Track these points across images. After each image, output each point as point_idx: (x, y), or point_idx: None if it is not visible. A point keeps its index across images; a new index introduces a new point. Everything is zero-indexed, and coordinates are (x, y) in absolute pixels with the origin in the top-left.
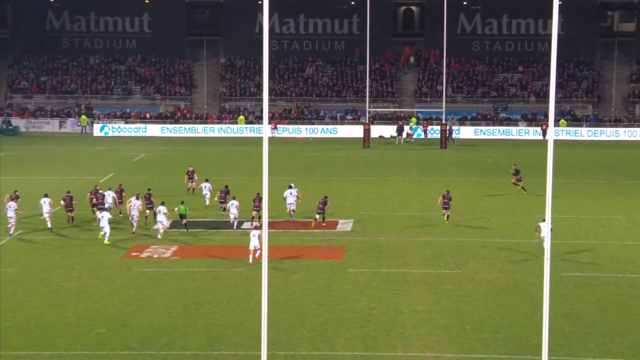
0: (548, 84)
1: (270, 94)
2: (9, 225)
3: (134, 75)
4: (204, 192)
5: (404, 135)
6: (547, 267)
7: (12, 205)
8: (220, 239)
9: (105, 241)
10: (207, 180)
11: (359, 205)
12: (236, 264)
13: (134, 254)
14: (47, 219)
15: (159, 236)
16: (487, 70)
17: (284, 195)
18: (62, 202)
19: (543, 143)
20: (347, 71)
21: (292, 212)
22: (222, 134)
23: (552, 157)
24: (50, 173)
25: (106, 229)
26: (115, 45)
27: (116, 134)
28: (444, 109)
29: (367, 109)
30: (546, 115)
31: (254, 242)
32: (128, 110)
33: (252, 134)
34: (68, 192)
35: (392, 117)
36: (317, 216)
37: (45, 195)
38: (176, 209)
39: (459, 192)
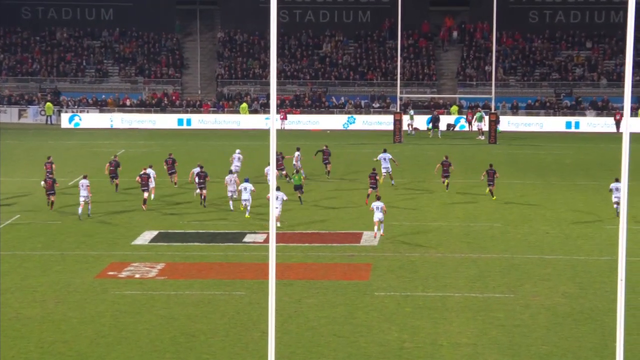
0: (623, 64)
1: (278, 77)
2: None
3: (111, 53)
4: (244, 198)
5: (444, 127)
6: (621, 291)
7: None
8: (216, 255)
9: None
10: (247, 180)
11: (389, 213)
12: (236, 285)
13: (111, 273)
14: (82, 204)
15: (247, 214)
16: (547, 47)
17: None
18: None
19: (616, 137)
20: (374, 48)
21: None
22: (220, 126)
23: (627, 154)
24: (7, 174)
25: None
26: (88, 17)
27: (89, 125)
28: (493, 95)
29: (399, 95)
30: (621, 103)
31: (377, 215)
32: (103, 96)
33: (257, 126)
34: (85, 176)
35: (430, 104)
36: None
37: (84, 177)
38: (290, 179)
39: (510, 197)
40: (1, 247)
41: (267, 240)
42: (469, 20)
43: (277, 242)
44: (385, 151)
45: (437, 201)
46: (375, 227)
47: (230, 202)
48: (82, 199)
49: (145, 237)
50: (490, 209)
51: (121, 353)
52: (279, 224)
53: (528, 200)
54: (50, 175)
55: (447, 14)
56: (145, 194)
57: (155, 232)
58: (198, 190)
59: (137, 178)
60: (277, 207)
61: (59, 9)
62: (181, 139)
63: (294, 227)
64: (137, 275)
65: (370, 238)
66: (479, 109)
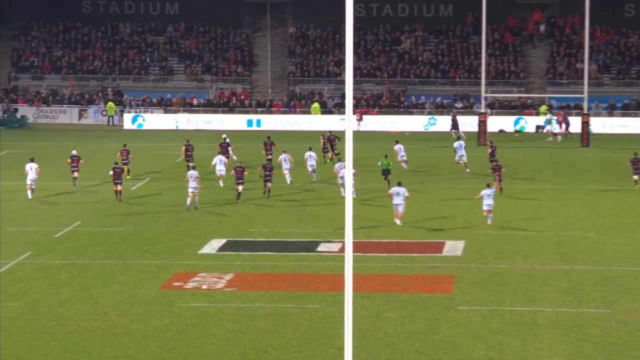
0: None
1: (354, 75)
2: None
3: (176, 49)
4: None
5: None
6: None
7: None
8: (288, 265)
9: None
10: (310, 149)
11: (473, 221)
12: (310, 297)
13: (176, 283)
14: (191, 195)
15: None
16: None
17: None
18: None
19: None
20: (456, 44)
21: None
22: (291, 127)
23: None
24: (66, 178)
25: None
26: (152, 11)
27: (153, 126)
28: (585, 94)
29: (483, 94)
30: None
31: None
32: (168, 95)
33: (330, 127)
34: (194, 167)
35: (517, 104)
36: None
37: (194, 168)
38: (379, 163)
39: (606, 206)
40: (60, 256)
41: (342, 250)
42: (559, 13)
43: (353, 251)
44: (459, 138)
45: (525, 207)
46: (485, 215)
47: (342, 190)
48: (190, 190)
49: (212, 246)
50: (583, 217)
51: None
52: (399, 222)
53: (624, 208)
54: (125, 161)
55: (535, 8)
56: (240, 187)
57: (223, 241)
58: (239, 188)
59: (232, 171)
60: (400, 204)
61: (121, 3)
62: (250, 140)
63: (370, 235)
64: (204, 287)
65: (453, 248)
66: (547, 111)
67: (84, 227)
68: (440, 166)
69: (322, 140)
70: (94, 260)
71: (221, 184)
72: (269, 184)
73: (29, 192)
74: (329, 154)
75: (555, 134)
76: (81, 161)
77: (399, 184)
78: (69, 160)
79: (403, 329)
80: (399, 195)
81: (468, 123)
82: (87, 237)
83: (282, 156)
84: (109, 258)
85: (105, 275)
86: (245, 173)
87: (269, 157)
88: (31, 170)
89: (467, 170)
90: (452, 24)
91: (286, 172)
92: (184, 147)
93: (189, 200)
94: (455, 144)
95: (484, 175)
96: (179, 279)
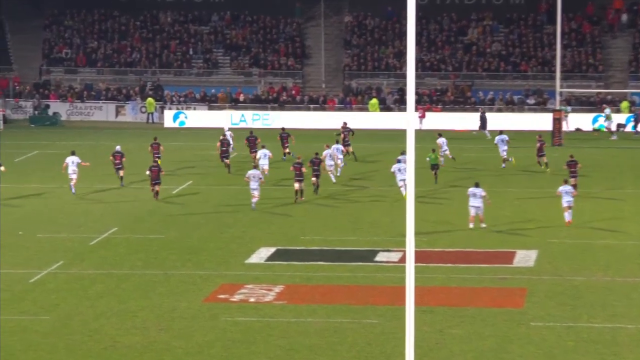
0: None
1: (416, 68)
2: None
3: (222, 40)
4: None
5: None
6: None
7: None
8: (343, 276)
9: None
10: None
11: (546, 228)
12: (367, 312)
13: (222, 296)
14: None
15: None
16: None
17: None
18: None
19: None
20: (529, 34)
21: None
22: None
23: None
24: (103, 180)
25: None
26: None
27: (196, 124)
28: None
29: (558, 89)
30: None
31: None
32: (213, 90)
33: (390, 125)
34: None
35: (596, 100)
36: None
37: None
38: (427, 158)
39: None
40: (96, 265)
41: (403, 260)
42: None
43: (415, 261)
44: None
45: (604, 214)
46: (565, 213)
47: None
48: (254, 191)
49: (260, 255)
50: None
51: None
52: (484, 225)
53: None
54: (157, 158)
55: None
56: (297, 185)
57: (272, 249)
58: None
59: (291, 168)
60: (477, 206)
61: None
62: (302, 140)
63: (433, 243)
64: (252, 299)
65: (525, 258)
66: (604, 105)
67: (121, 234)
68: (510, 169)
69: (342, 134)
70: (132, 270)
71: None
72: (314, 179)
73: (72, 186)
74: (349, 148)
75: (611, 131)
76: (124, 159)
77: (477, 185)
78: (112, 157)
79: (470, 347)
80: (475, 197)
81: (541, 121)
82: (125, 244)
83: (261, 152)
84: (148, 268)
85: (144, 287)
86: (304, 170)
87: (286, 150)
88: (72, 163)
89: (503, 165)
90: (524, 12)
91: (265, 166)
92: (218, 143)
93: (253, 200)
94: (497, 139)
95: (559, 176)
96: (224, 291)
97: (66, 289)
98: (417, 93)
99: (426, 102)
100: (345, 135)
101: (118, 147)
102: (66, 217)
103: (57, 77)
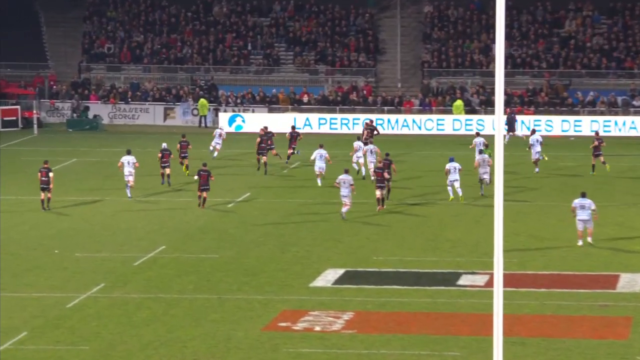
0: None
1: (505, 65)
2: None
3: (284, 34)
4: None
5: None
6: None
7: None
8: (421, 302)
9: None
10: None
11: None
12: (448, 343)
13: (283, 324)
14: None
15: None
16: None
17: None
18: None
19: None
20: (635, 26)
21: None
22: (427, 131)
23: None
24: (149, 190)
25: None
26: None
27: (255, 128)
28: None
29: None
30: None
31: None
32: (274, 90)
33: (472, 131)
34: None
35: None
36: None
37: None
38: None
39: None
40: (141, 289)
41: (490, 284)
42: None
43: (504, 285)
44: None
45: None
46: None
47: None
48: (344, 199)
49: (327, 277)
50: None
51: None
52: (590, 240)
53: None
54: (184, 154)
55: None
56: (379, 193)
57: (340, 271)
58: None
59: (371, 172)
60: (586, 219)
61: None
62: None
63: (525, 265)
64: (318, 328)
65: (630, 282)
66: None
67: (170, 253)
68: (614, 180)
69: (364, 132)
70: (182, 294)
71: (319, 182)
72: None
73: (128, 190)
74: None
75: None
76: (172, 156)
77: (583, 195)
78: (159, 155)
79: None
80: (584, 209)
81: None
82: (173, 265)
83: (317, 152)
84: (200, 291)
85: (196, 313)
86: (386, 175)
87: (291, 150)
88: (128, 164)
89: (537, 169)
90: (629, 1)
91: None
92: (178, 145)
93: (344, 209)
94: (531, 139)
95: None
96: (286, 318)
97: (108, 315)
98: (506, 93)
99: (516, 104)
100: (371, 130)
101: (164, 145)
102: (108, 234)
103: (98, 75)
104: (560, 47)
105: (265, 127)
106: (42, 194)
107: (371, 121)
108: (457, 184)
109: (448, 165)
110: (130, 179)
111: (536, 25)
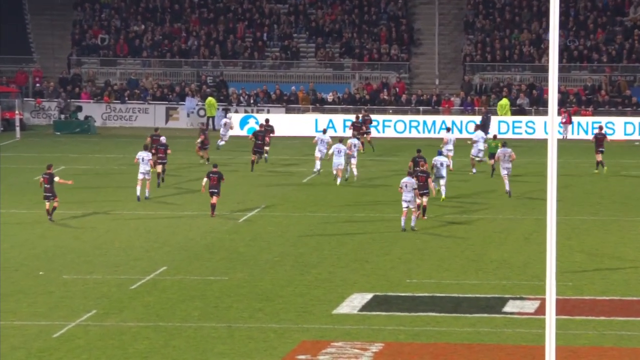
0: None
1: (560, 59)
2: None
3: (304, 23)
4: None
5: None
6: None
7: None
8: (462, 331)
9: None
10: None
11: None
12: None
13: (302, 356)
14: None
15: None
16: None
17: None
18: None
19: None
20: None
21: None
22: (468, 134)
23: None
24: (149, 204)
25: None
26: None
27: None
28: None
29: None
30: None
31: None
32: (292, 87)
33: (521, 134)
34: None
35: None
36: None
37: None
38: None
39: None
40: (138, 316)
41: (541, 311)
42: None
43: (557, 313)
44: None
45: None
46: None
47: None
48: (405, 205)
49: (353, 303)
50: None
51: None
52: None
53: None
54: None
55: None
56: (425, 199)
57: (368, 295)
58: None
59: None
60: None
61: None
62: (410, 150)
63: (581, 289)
64: None
65: None
66: None
67: (172, 275)
68: None
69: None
70: (185, 322)
71: (338, 181)
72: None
73: (138, 187)
74: (368, 136)
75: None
76: (169, 151)
77: None
78: (153, 150)
79: None
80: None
81: None
82: (176, 289)
83: (335, 147)
84: (206, 319)
85: (201, 344)
86: (430, 181)
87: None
88: (142, 161)
89: (474, 170)
90: None
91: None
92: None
93: (405, 218)
94: (475, 136)
95: None
96: (306, 350)
97: (100, 346)
98: (560, 92)
99: (572, 104)
100: (366, 122)
101: (163, 139)
102: (100, 253)
103: (90, 70)
104: (624, 37)
105: (267, 120)
106: (47, 204)
107: (366, 112)
108: (442, 182)
109: (434, 160)
110: (147, 177)
111: (595, 12)
